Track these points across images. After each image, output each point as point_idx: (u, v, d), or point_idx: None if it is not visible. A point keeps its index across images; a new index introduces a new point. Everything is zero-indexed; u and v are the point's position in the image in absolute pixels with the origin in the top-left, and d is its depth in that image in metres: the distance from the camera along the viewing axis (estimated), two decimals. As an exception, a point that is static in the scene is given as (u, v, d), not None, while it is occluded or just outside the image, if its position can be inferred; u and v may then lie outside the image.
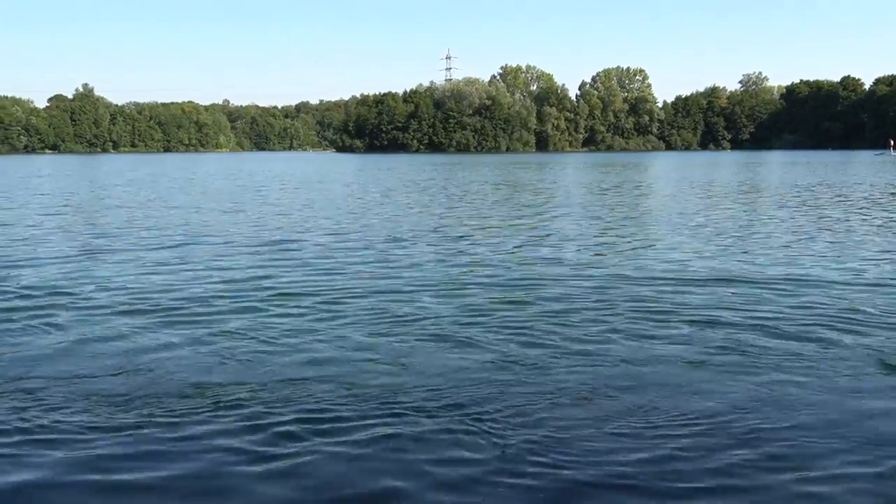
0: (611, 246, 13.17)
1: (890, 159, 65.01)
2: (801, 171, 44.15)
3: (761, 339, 6.85)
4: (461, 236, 14.63)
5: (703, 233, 15.08)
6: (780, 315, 7.74)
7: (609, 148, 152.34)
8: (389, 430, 4.71)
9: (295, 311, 8.01)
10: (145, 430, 4.75)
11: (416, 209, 21.21)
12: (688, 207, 21.13)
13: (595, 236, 14.66)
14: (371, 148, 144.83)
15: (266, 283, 9.66)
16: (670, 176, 41.72)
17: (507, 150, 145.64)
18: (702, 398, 5.29)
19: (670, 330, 7.20)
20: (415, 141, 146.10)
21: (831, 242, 13.38)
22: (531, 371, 5.89)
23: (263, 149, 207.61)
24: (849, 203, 21.95)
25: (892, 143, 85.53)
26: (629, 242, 13.66)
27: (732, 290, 9.05)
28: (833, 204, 21.75)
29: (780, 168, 50.77)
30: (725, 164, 58.88)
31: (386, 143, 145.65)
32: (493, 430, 4.71)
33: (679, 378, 5.72)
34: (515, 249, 12.81)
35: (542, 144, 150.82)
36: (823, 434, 4.70)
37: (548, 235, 14.86)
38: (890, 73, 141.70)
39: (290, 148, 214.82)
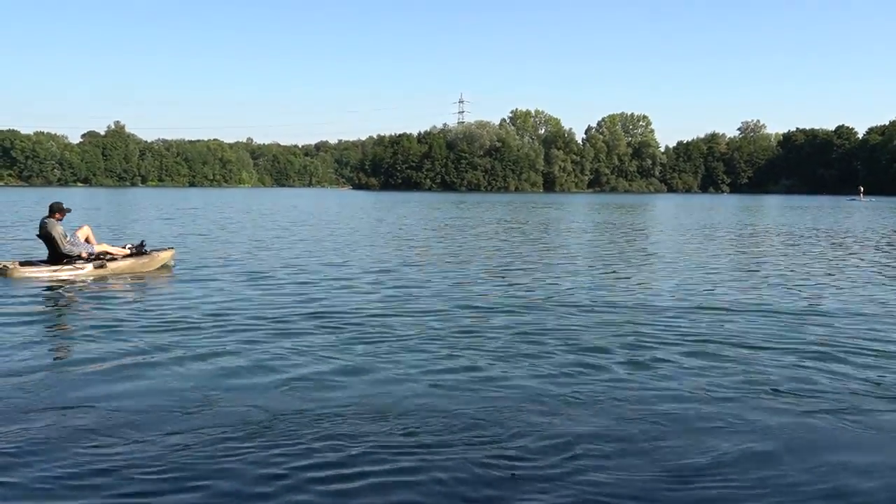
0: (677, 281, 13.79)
1: (860, 204, 72.04)
2: (798, 215, 46.56)
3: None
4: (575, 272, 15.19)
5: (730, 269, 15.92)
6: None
7: (613, 189, 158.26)
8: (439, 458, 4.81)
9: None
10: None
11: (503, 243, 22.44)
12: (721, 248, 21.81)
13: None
14: (386, 186, 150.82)
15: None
16: (690, 218, 42.02)
17: (516, 190, 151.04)
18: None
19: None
20: (428, 180, 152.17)
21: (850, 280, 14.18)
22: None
23: (283, 185, 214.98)
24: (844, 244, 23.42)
25: (861, 190, 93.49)
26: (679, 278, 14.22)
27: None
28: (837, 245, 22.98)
29: (776, 211, 52.73)
30: (726, 207, 60.88)
31: (400, 181, 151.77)
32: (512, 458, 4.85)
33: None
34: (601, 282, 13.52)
35: (550, 185, 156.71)
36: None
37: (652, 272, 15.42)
38: (882, 123, 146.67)
39: (309, 185, 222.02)
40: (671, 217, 43.48)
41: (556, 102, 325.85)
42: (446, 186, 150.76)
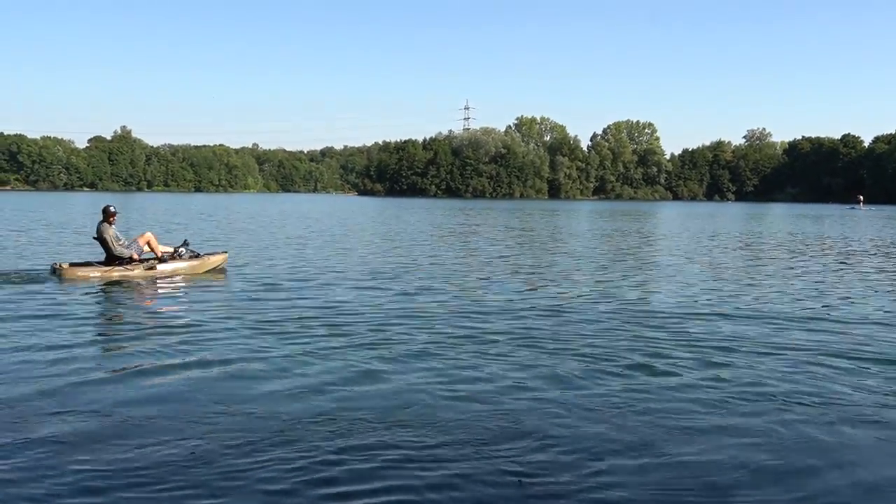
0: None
1: (860, 213, 71.89)
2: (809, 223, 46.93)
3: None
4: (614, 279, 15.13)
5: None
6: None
7: (618, 197, 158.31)
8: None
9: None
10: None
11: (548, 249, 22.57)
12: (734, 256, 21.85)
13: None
14: (391, 192, 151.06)
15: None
16: (701, 226, 42.24)
17: (521, 196, 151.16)
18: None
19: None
20: (433, 186, 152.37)
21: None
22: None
23: (289, 190, 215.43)
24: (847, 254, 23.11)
25: (860, 199, 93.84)
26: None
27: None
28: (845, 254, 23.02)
29: (781, 220, 52.46)
30: (726, 216, 61.19)
31: (405, 187, 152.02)
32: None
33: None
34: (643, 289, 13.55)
35: (554, 192, 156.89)
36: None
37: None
38: (888, 132, 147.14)
39: (314, 190, 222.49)
40: (678, 225, 43.59)
41: (562, 109, 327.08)
42: (451, 193, 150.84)
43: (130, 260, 14.03)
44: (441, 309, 10.86)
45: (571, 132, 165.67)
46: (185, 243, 15.11)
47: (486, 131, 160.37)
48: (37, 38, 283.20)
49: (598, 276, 15.89)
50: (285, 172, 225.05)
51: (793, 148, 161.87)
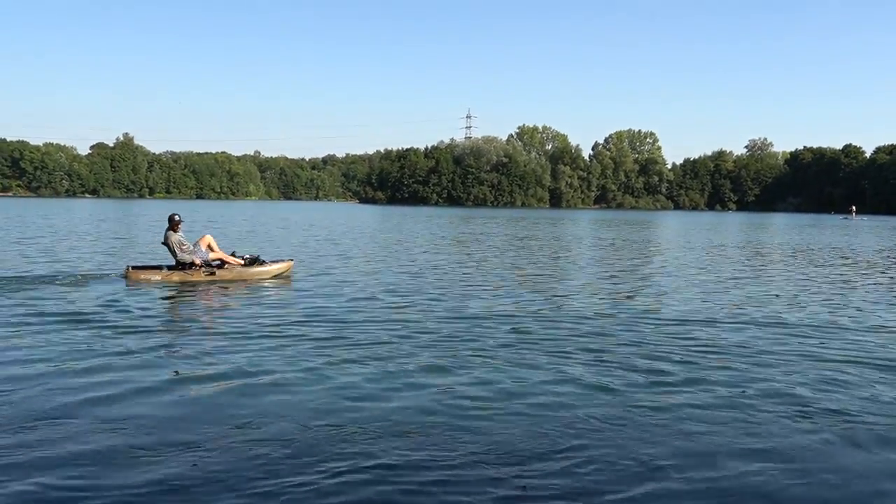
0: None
1: (852, 223, 71.72)
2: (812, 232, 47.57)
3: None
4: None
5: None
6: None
7: (619, 206, 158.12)
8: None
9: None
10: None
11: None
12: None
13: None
14: (392, 200, 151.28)
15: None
16: (698, 236, 41.93)
17: (522, 205, 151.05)
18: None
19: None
20: (434, 195, 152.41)
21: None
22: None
23: (290, 198, 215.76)
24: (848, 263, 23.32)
25: (853, 209, 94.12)
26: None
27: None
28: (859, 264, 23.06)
29: (781, 230, 52.94)
30: (734, 225, 61.81)
31: (407, 195, 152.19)
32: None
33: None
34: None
35: (556, 201, 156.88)
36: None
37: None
38: (890, 143, 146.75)
39: (316, 198, 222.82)
40: (678, 235, 43.51)
41: (564, 118, 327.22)
42: (453, 201, 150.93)
43: (192, 265, 14.61)
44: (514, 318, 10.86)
45: (573, 141, 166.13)
46: (258, 258, 15.59)
47: (488, 140, 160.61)
48: (39, 45, 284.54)
49: (636, 288, 15.59)
50: (287, 180, 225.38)
51: (794, 158, 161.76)
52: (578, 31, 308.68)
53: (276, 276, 15.13)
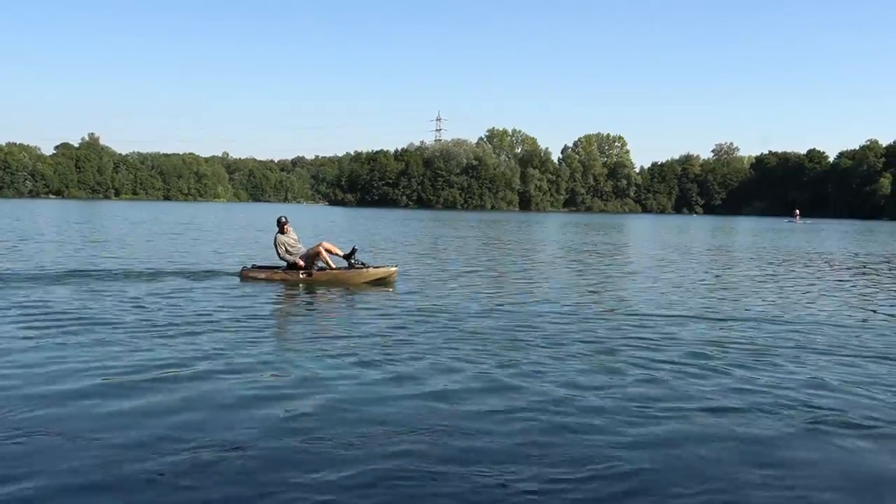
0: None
1: (797, 227, 72.66)
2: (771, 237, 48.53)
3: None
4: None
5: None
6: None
7: (588, 209, 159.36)
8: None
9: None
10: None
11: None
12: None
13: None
14: (362, 202, 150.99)
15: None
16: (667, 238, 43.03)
17: (492, 208, 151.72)
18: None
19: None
20: (404, 197, 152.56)
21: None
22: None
23: (259, 200, 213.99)
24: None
25: (797, 212, 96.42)
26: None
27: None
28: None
29: (742, 233, 54.40)
30: (701, 229, 63.41)
31: (377, 198, 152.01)
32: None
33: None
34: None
35: (525, 204, 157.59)
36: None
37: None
38: (852, 148, 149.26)
39: (285, 200, 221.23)
40: (646, 237, 43.90)
41: (533, 122, 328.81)
42: (422, 203, 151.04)
43: (295, 265, 15.46)
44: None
45: (542, 144, 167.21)
46: (354, 252, 15.97)
47: (458, 143, 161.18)
48: (2, 43, 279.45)
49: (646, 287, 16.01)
50: (255, 181, 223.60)
51: (760, 162, 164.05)
52: (548, 35, 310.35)
53: (378, 282, 15.24)
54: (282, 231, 15.78)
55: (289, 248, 15.63)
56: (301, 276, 15.25)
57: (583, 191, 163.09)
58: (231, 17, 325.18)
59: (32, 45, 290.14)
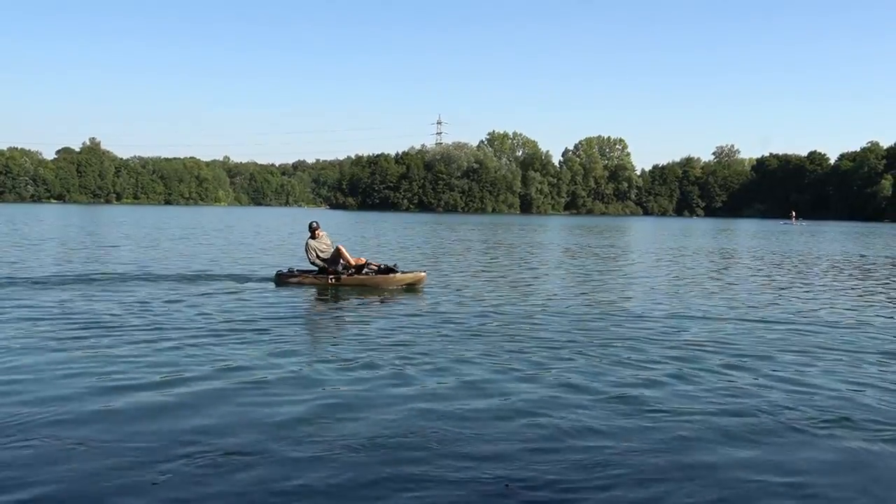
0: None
1: (794, 229, 72.59)
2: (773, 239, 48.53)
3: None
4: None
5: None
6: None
7: (589, 212, 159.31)
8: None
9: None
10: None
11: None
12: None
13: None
14: (363, 206, 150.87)
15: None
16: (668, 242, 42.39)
17: (493, 211, 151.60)
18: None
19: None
20: (405, 200, 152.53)
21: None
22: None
23: (260, 204, 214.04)
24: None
25: (793, 214, 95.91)
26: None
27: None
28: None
29: (740, 236, 54.54)
30: (703, 231, 63.01)
31: (378, 201, 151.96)
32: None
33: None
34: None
35: (526, 207, 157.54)
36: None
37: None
38: (853, 150, 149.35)
39: (286, 204, 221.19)
40: (647, 240, 43.95)
41: (534, 124, 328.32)
42: (423, 207, 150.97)
43: (323, 270, 15.87)
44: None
45: (543, 147, 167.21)
46: (395, 266, 16.10)
47: (459, 146, 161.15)
48: (2, 48, 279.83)
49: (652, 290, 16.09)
50: (256, 185, 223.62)
51: (760, 164, 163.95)
52: (548, 38, 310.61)
53: (409, 286, 15.45)
54: (313, 236, 16.10)
55: (320, 252, 15.99)
56: (331, 280, 15.56)
57: (584, 193, 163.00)
58: (232, 21, 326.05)
59: (33, 51, 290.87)
